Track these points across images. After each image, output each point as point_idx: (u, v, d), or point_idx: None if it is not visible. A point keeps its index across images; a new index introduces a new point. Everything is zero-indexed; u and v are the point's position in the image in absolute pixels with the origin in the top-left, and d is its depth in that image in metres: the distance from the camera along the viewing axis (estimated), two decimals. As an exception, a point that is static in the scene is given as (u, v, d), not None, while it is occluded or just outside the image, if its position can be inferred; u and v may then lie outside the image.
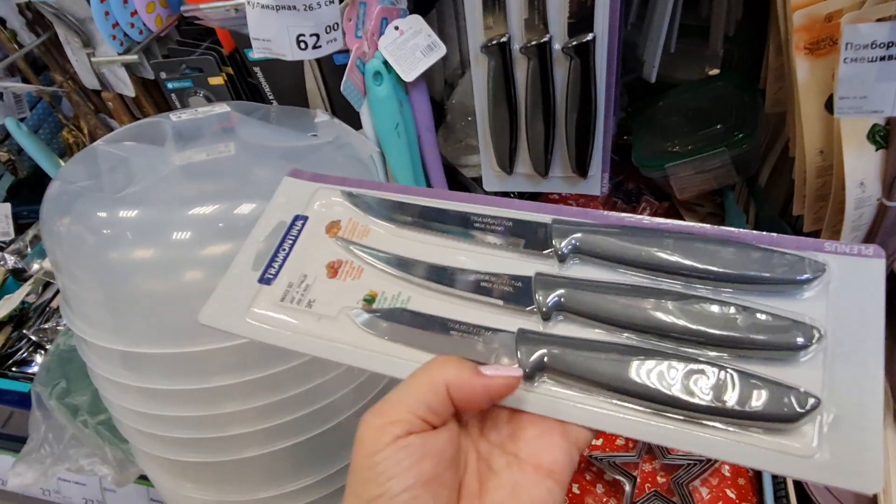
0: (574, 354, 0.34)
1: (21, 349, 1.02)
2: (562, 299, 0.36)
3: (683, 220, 0.72)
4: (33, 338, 1.01)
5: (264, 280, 0.42)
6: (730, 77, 0.87)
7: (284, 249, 0.44)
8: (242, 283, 0.42)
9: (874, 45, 0.46)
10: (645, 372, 0.33)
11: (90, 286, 0.60)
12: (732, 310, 0.33)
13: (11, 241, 1.13)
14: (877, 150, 0.56)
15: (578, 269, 0.38)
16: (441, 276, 0.40)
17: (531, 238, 0.40)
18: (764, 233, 0.36)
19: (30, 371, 0.99)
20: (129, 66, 0.77)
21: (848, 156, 0.56)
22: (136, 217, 0.58)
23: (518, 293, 0.38)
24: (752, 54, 0.84)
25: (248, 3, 0.55)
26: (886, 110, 0.49)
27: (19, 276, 1.11)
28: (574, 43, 0.58)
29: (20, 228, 1.18)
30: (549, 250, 0.39)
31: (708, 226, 0.38)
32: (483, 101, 0.65)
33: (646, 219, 0.39)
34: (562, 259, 0.39)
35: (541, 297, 0.37)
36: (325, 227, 0.45)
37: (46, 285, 1.09)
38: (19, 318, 1.05)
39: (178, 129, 0.65)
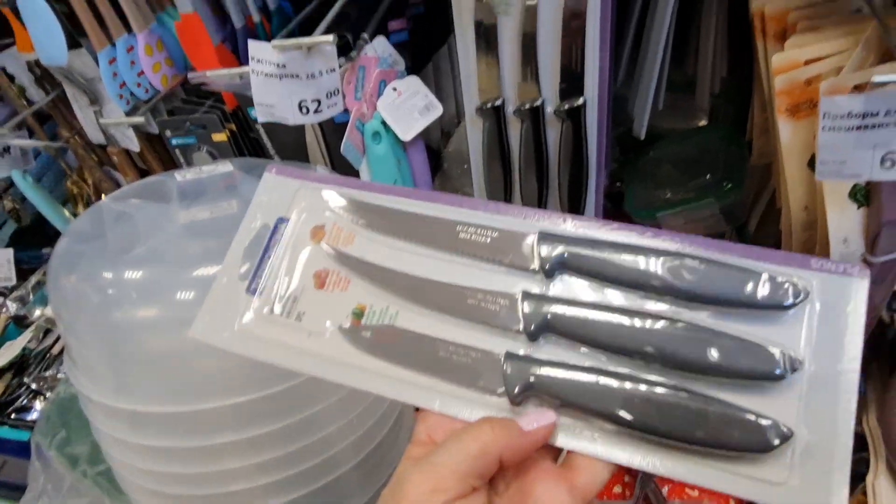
0: (559, 379, 0.35)
1: (21, 396, 1.02)
2: (548, 320, 0.37)
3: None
4: (33, 385, 1.01)
5: (252, 290, 0.42)
6: (717, 129, 0.90)
7: (269, 256, 0.43)
8: (231, 293, 0.42)
9: (850, 116, 0.49)
10: (625, 398, 0.33)
11: (94, 344, 0.61)
12: (714, 336, 0.34)
13: (14, 288, 1.14)
14: (858, 207, 0.58)
15: (565, 286, 0.38)
16: (427, 292, 0.40)
17: (517, 252, 0.40)
18: (753, 246, 0.37)
19: (29, 418, 0.99)
20: (134, 124, 0.80)
21: (831, 213, 0.58)
22: (141, 277, 0.60)
23: (504, 312, 0.38)
24: (739, 107, 0.86)
25: (253, 71, 0.57)
26: (864, 175, 0.51)
27: (21, 322, 1.11)
28: (566, 106, 0.60)
29: (22, 273, 1.20)
30: (536, 265, 0.39)
31: (699, 237, 0.38)
32: (478, 158, 0.67)
33: (636, 232, 0.39)
34: (548, 274, 0.39)
35: (527, 318, 0.37)
36: (310, 231, 0.44)
37: (47, 332, 1.10)
38: (19, 364, 1.06)
39: (183, 187, 0.67)
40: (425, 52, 0.94)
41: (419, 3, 0.93)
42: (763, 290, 0.35)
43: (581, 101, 0.60)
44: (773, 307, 0.34)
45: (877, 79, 0.46)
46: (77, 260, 0.63)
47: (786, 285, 0.34)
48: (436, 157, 0.97)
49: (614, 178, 0.98)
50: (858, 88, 0.53)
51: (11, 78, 0.91)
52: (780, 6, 0.64)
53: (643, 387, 0.34)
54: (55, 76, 0.81)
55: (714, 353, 0.34)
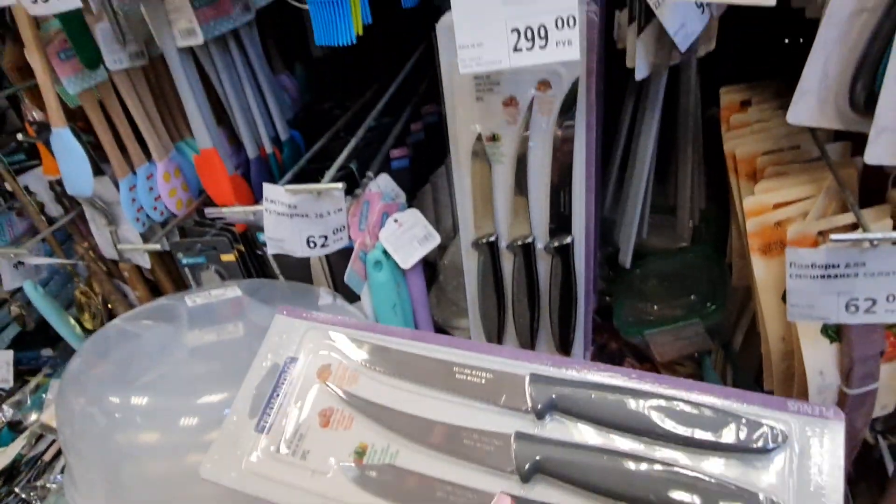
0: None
1: (8, 507, 1.00)
2: (539, 461, 0.39)
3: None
4: (22, 495, 1.00)
5: (260, 428, 0.44)
6: (700, 249, 0.95)
7: (278, 395, 0.46)
8: (241, 431, 0.44)
9: (814, 266, 0.53)
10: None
11: (95, 465, 0.62)
12: (700, 483, 0.36)
13: (11, 391, 1.15)
14: (831, 343, 0.62)
15: (556, 426, 0.41)
16: (426, 433, 0.42)
17: (510, 393, 0.42)
18: (733, 389, 0.39)
19: (17, 531, 0.97)
20: (147, 244, 0.84)
21: (805, 348, 0.62)
22: (147, 403, 0.62)
23: (498, 453, 0.40)
24: (718, 231, 0.92)
25: (267, 210, 0.62)
26: (832, 318, 0.55)
27: (15, 427, 1.11)
28: (555, 244, 0.65)
29: (19, 374, 1.20)
30: (528, 406, 0.41)
31: (683, 380, 0.40)
32: (474, 287, 0.71)
33: (620, 374, 0.41)
34: (539, 416, 0.41)
35: (520, 460, 0.39)
36: (317, 371, 0.47)
37: (39, 437, 1.10)
38: (10, 471, 1.04)
39: (193, 311, 0.70)
40: (425, 174, 1.00)
41: (419, 129, 1.01)
42: (744, 435, 0.37)
43: (569, 239, 0.64)
44: (755, 451, 0.37)
45: (833, 238, 0.51)
46: (87, 382, 0.65)
47: (766, 430, 0.37)
48: (432, 268, 1.01)
49: (603, 293, 1.02)
50: (822, 234, 0.59)
51: (32, 194, 0.96)
52: (749, 150, 0.71)
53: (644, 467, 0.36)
54: (75, 197, 0.85)
55: (700, 500, 0.35)
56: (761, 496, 0.35)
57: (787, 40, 0.92)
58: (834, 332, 0.61)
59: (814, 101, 0.51)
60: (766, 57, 0.83)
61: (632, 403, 0.40)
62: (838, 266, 0.53)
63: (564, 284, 0.67)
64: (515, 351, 0.45)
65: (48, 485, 1.00)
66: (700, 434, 0.38)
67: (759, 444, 0.37)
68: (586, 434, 0.40)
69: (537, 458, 0.39)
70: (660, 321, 0.90)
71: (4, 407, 1.12)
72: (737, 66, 0.84)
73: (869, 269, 0.52)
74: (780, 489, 0.35)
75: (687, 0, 0.52)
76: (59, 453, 1.07)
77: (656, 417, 0.39)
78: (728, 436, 0.37)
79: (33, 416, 1.11)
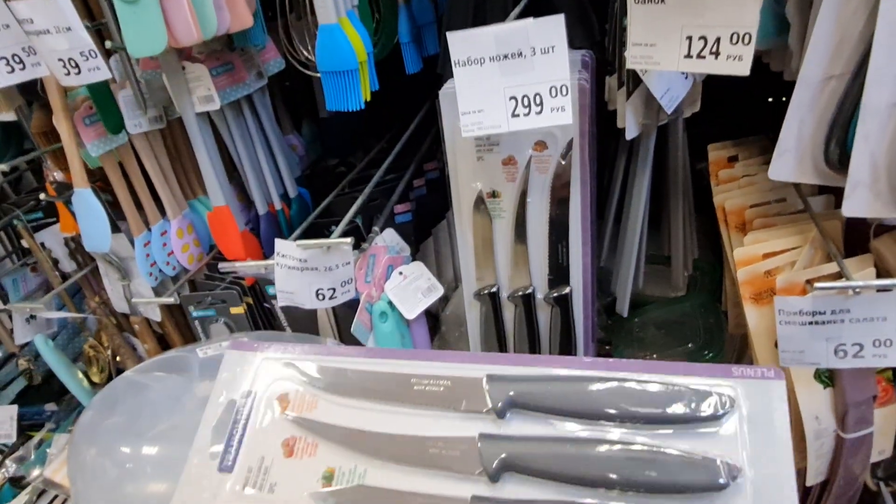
0: None
1: (8, 566, 0.99)
2: (505, 459, 0.39)
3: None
4: (23, 554, 0.99)
5: (224, 468, 0.43)
6: (696, 298, 0.98)
7: (238, 431, 0.45)
8: (203, 475, 0.43)
9: (802, 313, 0.56)
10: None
11: (105, 518, 0.63)
12: (660, 455, 0.38)
13: (14, 447, 1.15)
14: (825, 388, 0.64)
15: (517, 423, 0.42)
16: (391, 448, 0.42)
17: (469, 397, 0.43)
18: (681, 364, 0.42)
19: (15, 592, 0.96)
20: (159, 297, 0.86)
21: (800, 394, 0.63)
22: (157, 453, 0.63)
23: (465, 457, 0.41)
24: (713, 280, 0.95)
25: (278, 264, 0.65)
26: (822, 363, 0.57)
27: (17, 483, 1.11)
28: (554, 294, 0.67)
29: (23, 429, 1.21)
30: (487, 407, 0.42)
31: (633, 361, 0.43)
32: (476, 336, 0.74)
33: (573, 364, 0.43)
34: (500, 415, 0.42)
35: (486, 460, 0.40)
36: (275, 401, 0.46)
37: (42, 493, 1.09)
38: (11, 529, 1.04)
39: (203, 363, 0.72)
40: (427, 227, 1.04)
41: (422, 185, 1.05)
42: (695, 405, 0.39)
43: (567, 290, 0.67)
44: (707, 419, 0.39)
45: (818, 286, 0.53)
46: (99, 433, 0.67)
47: (714, 398, 0.39)
48: (434, 319, 1.03)
49: (602, 341, 1.04)
50: (810, 283, 0.61)
51: (47, 250, 1.00)
52: (738, 203, 0.74)
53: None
54: (90, 253, 0.89)
55: (662, 473, 0.37)
56: (718, 461, 0.37)
57: (770, 99, 0.97)
58: (827, 378, 0.63)
59: (792, 158, 0.55)
60: (750, 115, 0.88)
61: (587, 390, 0.41)
62: (825, 313, 0.55)
63: (564, 333, 0.70)
64: (469, 354, 0.46)
65: (50, 542, 0.99)
66: (654, 410, 0.40)
67: (710, 411, 0.39)
68: (547, 426, 0.41)
69: (503, 456, 0.40)
70: (659, 369, 0.92)
71: (7, 462, 1.12)
72: (723, 123, 0.88)
73: (854, 316, 0.54)
74: (734, 451, 0.37)
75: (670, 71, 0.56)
76: (60, 510, 1.06)
77: (612, 400, 0.41)
78: (681, 408, 0.39)
79: (36, 472, 1.10)
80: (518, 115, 0.51)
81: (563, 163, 0.61)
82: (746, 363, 0.89)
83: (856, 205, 0.51)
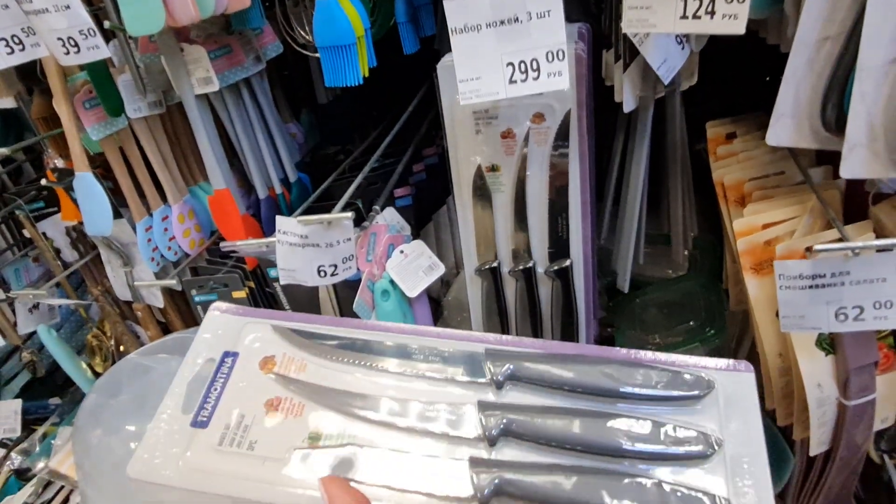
0: (524, 479, 0.37)
1: (15, 556, 0.99)
2: (505, 425, 0.39)
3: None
4: (30, 543, 0.99)
5: (197, 423, 0.40)
6: (696, 277, 0.98)
7: (216, 389, 0.42)
8: (173, 429, 0.40)
9: (802, 277, 0.56)
10: (582, 490, 0.36)
11: (113, 497, 0.63)
12: (648, 427, 0.39)
13: (19, 440, 1.15)
14: (826, 355, 0.64)
15: (515, 395, 0.41)
16: (385, 412, 0.40)
17: (467, 367, 0.42)
18: (662, 354, 0.43)
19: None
20: (161, 283, 0.87)
21: (802, 361, 0.64)
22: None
23: (461, 421, 0.40)
24: (713, 257, 0.95)
25: (279, 241, 0.65)
26: (823, 328, 0.57)
27: (22, 475, 1.11)
28: (554, 268, 0.68)
29: (26, 424, 1.21)
30: (486, 378, 0.42)
31: (623, 350, 0.44)
32: (478, 313, 0.74)
33: (569, 345, 0.45)
34: (499, 386, 0.41)
35: (486, 425, 0.39)
36: (259, 363, 0.43)
37: (47, 485, 1.09)
38: (16, 521, 1.04)
39: (207, 343, 0.72)
40: (427, 213, 1.04)
41: (421, 170, 1.05)
42: (683, 384, 0.41)
43: (568, 262, 0.67)
44: (690, 398, 0.40)
45: (817, 248, 0.54)
46: (103, 413, 0.67)
47: (696, 379, 0.41)
48: (436, 305, 1.04)
49: (604, 323, 1.04)
50: (809, 251, 0.61)
51: (49, 240, 1.00)
52: (736, 177, 0.74)
53: (598, 478, 0.37)
54: (92, 239, 0.89)
55: (652, 441, 0.38)
56: (713, 437, 0.38)
57: (767, 78, 0.97)
58: (828, 344, 0.63)
59: (789, 123, 0.55)
60: (747, 93, 0.89)
61: (584, 369, 0.42)
62: (825, 276, 0.55)
63: (565, 307, 0.70)
64: (467, 333, 0.45)
65: (56, 531, 0.99)
66: (645, 389, 0.41)
67: (696, 391, 0.40)
68: (542, 399, 0.42)
69: (504, 422, 0.39)
70: (661, 348, 0.92)
71: (12, 455, 1.13)
72: (721, 103, 0.89)
73: (854, 278, 0.55)
74: (715, 429, 0.39)
75: (667, 34, 0.56)
76: (66, 500, 1.07)
77: (609, 379, 0.41)
78: (670, 386, 0.41)
79: (41, 464, 1.11)
80: (515, 82, 0.51)
81: (561, 134, 0.61)
82: (748, 340, 0.90)
83: (854, 166, 0.52)
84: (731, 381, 0.41)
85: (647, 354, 0.43)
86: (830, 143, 0.55)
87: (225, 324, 0.46)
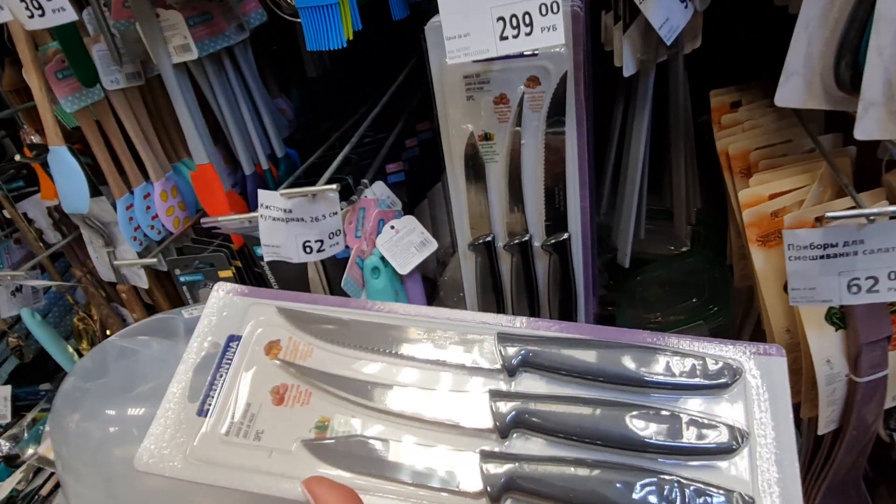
0: (536, 474, 0.35)
1: (3, 544, 0.98)
2: (517, 416, 0.37)
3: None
4: (19, 530, 0.97)
5: (203, 413, 0.39)
6: (699, 253, 0.95)
7: (222, 376, 0.41)
8: (180, 418, 0.40)
9: (812, 247, 0.53)
10: (600, 486, 0.34)
11: (91, 482, 0.61)
12: (669, 419, 0.36)
13: (8, 426, 1.13)
14: (836, 330, 0.61)
15: (528, 382, 0.39)
16: (394, 400, 0.39)
17: (477, 353, 0.40)
18: (687, 336, 0.40)
19: (10, 568, 0.94)
20: (145, 263, 0.84)
21: (811, 336, 0.61)
22: (143, 414, 0.61)
23: (472, 412, 0.38)
24: (717, 233, 0.92)
25: (262, 216, 0.62)
26: (834, 300, 0.54)
27: (11, 462, 1.09)
28: (552, 241, 0.65)
29: (17, 410, 1.19)
30: (498, 365, 0.39)
31: (643, 332, 0.41)
32: (472, 290, 0.71)
33: (585, 328, 0.41)
34: (511, 373, 0.39)
35: (497, 416, 0.37)
36: (264, 348, 0.42)
37: (37, 472, 1.07)
38: (5, 506, 1.02)
39: (190, 324, 0.70)
40: (421, 190, 1.01)
41: (414, 145, 1.02)
42: (707, 372, 0.38)
43: (566, 235, 0.64)
44: (717, 387, 0.38)
45: (830, 215, 0.50)
46: (81, 398, 0.64)
47: (724, 366, 0.38)
48: (432, 285, 1.01)
49: (605, 302, 1.01)
50: (820, 220, 0.58)
51: (30, 221, 0.97)
52: (742, 146, 0.71)
53: (614, 472, 0.35)
54: (73, 220, 0.86)
55: (674, 434, 0.36)
56: (739, 430, 0.36)
57: (773, 43, 0.93)
58: (839, 319, 0.60)
59: (800, 82, 0.52)
60: (752, 60, 0.85)
61: (602, 355, 0.39)
62: (837, 245, 0.52)
63: (563, 283, 0.67)
64: (476, 314, 0.43)
65: (45, 518, 0.97)
66: (666, 377, 0.38)
67: (721, 379, 0.38)
68: (557, 388, 0.39)
69: (516, 412, 0.37)
70: (663, 327, 0.89)
71: (1, 441, 1.11)
72: (725, 72, 0.85)
73: (868, 247, 0.52)
74: (739, 419, 0.37)
75: (669, -11, 0.53)
76: (56, 487, 1.05)
77: (627, 366, 0.39)
78: (693, 375, 0.38)
79: (30, 451, 1.09)
80: (507, 38, 0.47)
81: (557, 99, 0.58)
82: (753, 316, 0.87)
83: (869, 127, 0.48)
84: (762, 366, 0.39)
85: (671, 338, 0.40)
86: (843, 104, 0.52)
87: (229, 305, 0.44)
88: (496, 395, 0.38)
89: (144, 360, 0.68)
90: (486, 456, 0.36)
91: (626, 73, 0.63)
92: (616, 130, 0.81)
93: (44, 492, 1.04)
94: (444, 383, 0.40)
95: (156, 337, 0.71)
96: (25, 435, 1.12)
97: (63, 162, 0.70)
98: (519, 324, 0.43)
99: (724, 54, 0.83)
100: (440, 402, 0.39)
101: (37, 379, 1.25)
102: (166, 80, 0.71)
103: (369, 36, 0.64)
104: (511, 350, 0.40)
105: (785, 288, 0.64)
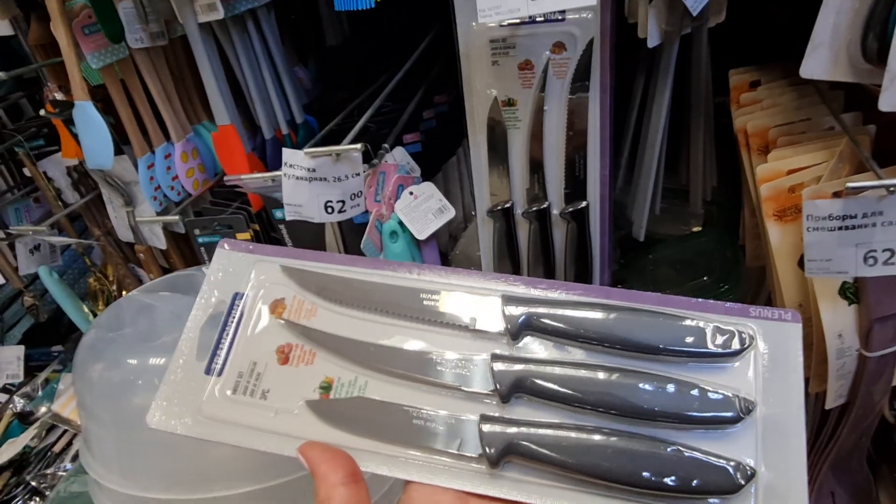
0: (536, 439, 0.35)
1: (17, 497, 1.00)
2: (519, 381, 0.37)
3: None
4: (33, 483, 0.99)
5: (211, 370, 0.40)
6: (711, 233, 0.95)
7: (228, 334, 0.41)
8: (189, 376, 0.40)
9: (831, 218, 0.53)
10: (598, 453, 0.34)
11: (112, 429, 0.62)
12: (672, 386, 0.36)
13: (21, 384, 1.15)
14: (849, 304, 0.62)
15: (531, 347, 0.39)
16: (396, 361, 0.39)
17: (482, 316, 0.40)
18: (697, 300, 0.39)
19: (26, 518, 0.97)
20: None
21: (823, 310, 0.61)
22: (164, 363, 0.62)
23: (475, 376, 0.38)
24: (730, 213, 0.92)
25: (285, 175, 0.63)
26: (850, 272, 0.55)
27: (25, 419, 1.11)
28: (570, 209, 0.65)
29: (29, 370, 1.21)
30: (501, 329, 0.39)
31: (652, 294, 0.40)
32: (489, 256, 0.72)
33: (592, 290, 0.40)
34: (514, 337, 0.39)
35: (499, 380, 0.37)
36: (270, 306, 0.42)
37: (51, 429, 1.09)
38: (19, 462, 1.04)
39: (209, 281, 0.71)
40: (436, 162, 1.01)
41: (431, 117, 1.02)
42: (714, 340, 0.37)
43: (584, 204, 0.65)
44: (725, 355, 0.37)
45: (850, 185, 0.51)
46: (104, 348, 0.65)
47: (733, 334, 0.37)
48: (444, 259, 1.01)
49: (616, 279, 1.02)
50: (837, 195, 0.59)
51: (50, 180, 0.98)
52: (761, 124, 0.71)
53: (615, 439, 0.35)
54: (94, 178, 0.87)
55: (677, 402, 0.35)
56: (744, 400, 0.36)
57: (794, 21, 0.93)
58: (852, 294, 0.61)
59: (826, 53, 0.52)
60: (772, 40, 0.85)
61: (607, 320, 0.38)
62: (855, 216, 0.53)
63: (580, 251, 0.68)
64: (483, 274, 0.42)
65: (58, 473, 0.99)
66: (674, 343, 0.37)
67: (731, 347, 0.37)
68: (562, 353, 0.39)
69: (517, 377, 0.37)
70: (673, 304, 0.90)
71: (15, 398, 1.12)
72: (744, 54, 0.85)
73: (886, 218, 0.52)
74: (748, 388, 0.36)
75: (700, -45, 0.53)
76: (69, 444, 1.07)
77: (633, 332, 0.38)
78: (702, 342, 0.37)
79: (44, 408, 1.10)
80: (538, -2, 0.48)
81: (583, 65, 0.58)
82: (763, 295, 0.88)
83: (894, 98, 0.49)
84: (775, 332, 0.37)
85: (681, 299, 0.40)
86: (869, 77, 0.52)
87: (235, 262, 0.44)
88: (498, 358, 0.38)
89: (163, 315, 0.69)
90: (486, 419, 0.36)
91: (651, 43, 0.64)
92: (636, 105, 0.81)
93: (56, 448, 1.06)
94: (448, 345, 0.40)
95: (176, 292, 0.72)
96: (39, 393, 1.14)
97: (88, 117, 0.71)
98: (523, 284, 0.42)
99: (744, 34, 0.83)
100: (443, 365, 0.39)
101: (49, 341, 1.27)
102: (191, 38, 0.72)
103: (390, 4, 0.64)
104: (515, 311, 0.40)
105: (799, 263, 0.65)
